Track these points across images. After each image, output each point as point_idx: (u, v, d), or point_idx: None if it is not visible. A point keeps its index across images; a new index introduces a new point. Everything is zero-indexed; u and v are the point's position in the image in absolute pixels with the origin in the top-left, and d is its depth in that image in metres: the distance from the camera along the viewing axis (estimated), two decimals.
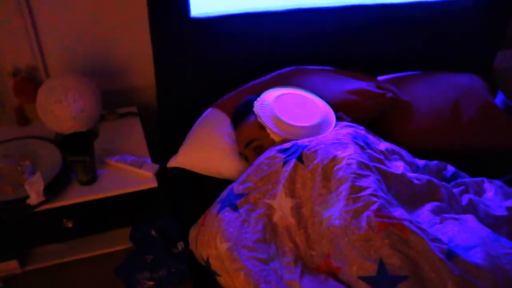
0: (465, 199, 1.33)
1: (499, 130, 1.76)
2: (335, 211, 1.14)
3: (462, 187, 1.41)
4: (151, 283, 1.51)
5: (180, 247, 1.56)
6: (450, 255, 1.03)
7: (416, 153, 1.52)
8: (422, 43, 2.05)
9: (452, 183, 1.44)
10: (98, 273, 1.62)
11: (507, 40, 2.34)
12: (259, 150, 1.42)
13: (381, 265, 1.01)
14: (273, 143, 1.41)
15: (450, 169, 1.51)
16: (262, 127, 1.43)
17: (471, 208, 1.30)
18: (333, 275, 1.10)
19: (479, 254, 1.05)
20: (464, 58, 2.17)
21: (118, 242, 1.65)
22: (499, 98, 2.11)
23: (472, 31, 2.11)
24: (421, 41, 2.04)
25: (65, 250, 1.62)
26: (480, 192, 1.42)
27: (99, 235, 1.64)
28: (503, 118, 1.79)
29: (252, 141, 1.45)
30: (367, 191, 1.14)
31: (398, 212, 1.11)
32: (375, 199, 1.12)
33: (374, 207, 1.10)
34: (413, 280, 0.99)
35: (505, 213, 1.29)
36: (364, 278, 1.02)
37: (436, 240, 1.07)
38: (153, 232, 1.57)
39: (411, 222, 1.08)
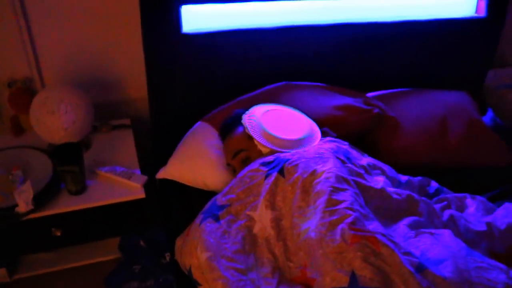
0: (446, 214, 1.35)
1: (485, 147, 1.77)
2: (312, 224, 1.16)
3: (444, 203, 1.43)
4: None
5: (167, 258, 1.58)
6: (420, 268, 1.05)
7: (402, 169, 1.54)
8: (414, 61, 2.08)
9: (435, 198, 1.46)
10: (87, 283, 1.63)
11: (497, 59, 2.37)
12: (247, 161, 1.45)
13: (353, 277, 1.03)
14: (260, 155, 1.44)
15: (434, 185, 1.53)
16: (250, 138, 1.46)
17: (452, 224, 1.32)
18: (309, 286, 1.12)
19: (448, 267, 1.07)
20: (455, 76, 2.20)
21: (107, 251, 1.67)
22: (489, 116, 2.13)
23: (464, 50, 2.14)
24: (412, 59, 2.07)
25: (54, 259, 1.64)
26: (462, 207, 1.44)
27: (88, 245, 1.66)
28: (489, 136, 1.81)
29: (240, 151, 1.48)
30: (343, 205, 1.16)
31: (373, 226, 1.13)
32: (350, 212, 1.14)
33: (349, 220, 1.12)
34: None
35: (484, 228, 1.31)
36: None
37: (408, 253, 1.09)
38: (141, 243, 1.58)
39: (384, 235, 1.10)
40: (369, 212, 1.20)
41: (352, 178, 1.28)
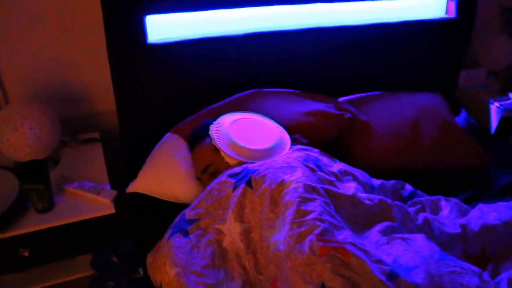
0: (420, 218, 1.35)
1: (458, 149, 1.77)
2: (281, 236, 1.15)
3: (419, 206, 1.43)
4: None
5: (141, 273, 1.55)
6: (392, 276, 1.04)
7: (376, 173, 1.54)
8: (386, 64, 2.09)
9: (409, 202, 1.46)
10: None
11: (470, 60, 2.40)
12: (215, 174, 1.44)
13: None
14: (228, 167, 1.42)
15: (408, 188, 1.53)
16: (217, 150, 1.45)
17: (426, 227, 1.32)
18: None
19: (420, 274, 1.07)
20: (429, 77, 2.21)
21: (79, 269, 1.63)
22: (462, 117, 2.15)
23: (436, 51, 2.16)
24: (385, 61, 2.08)
25: (25, 280, 1.59)
26: (436, 210, 1.44)
27: (60, 263, 1.62)
28: (462, 137, 1.81)
29: (208, 166, 1.47)
30: (312, 215, 1.14)
31: (342, 236, 1.12)
32: (319, 223, 1.12)
33: (317, 231, 1.11)
34: None
35: (458, 230, 1.32)
36: None
37: (379, 261, 1.08)
38: (114, 258, 1.57)
39: (353, 245, 1.09)
40: (340, 221, 1.19)
41: (322, 186, 1.27)
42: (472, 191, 1.63)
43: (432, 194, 1.52)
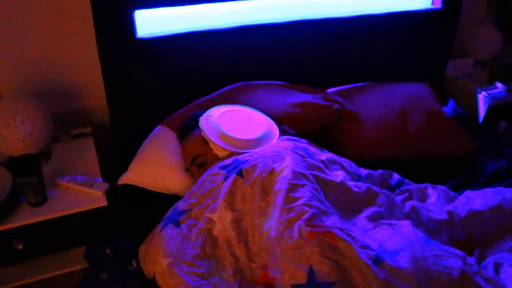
0: (407, 206, 1.38)
1: (446, 137, 1.80)
2: (272, 223, 1.17)
3: (406, 194, 1.46)
4: None
5: (135, 264, 1.57)
6: (377, 260, 1.07)
7: (365, 163, 1.56)
8: (374, 55, 2.11)
9: (396, 190, 1.49)
10: None
11: (457, 50, 2.42)
12: (203, 165, 1.45)
13: (311, 272, 1.04)
14: (217, 158, 1.44)
15: (395, 177, 1.56)
16: (206, 142, 1.46)
17: (414, 214, 1.34)
18: (270, 286, 1.13)
19: (405, 257, 1.09)
20: (416, 68, 2.24)
21: (73, 262, 1.65)
22: (450, 106, 2.18)
23: (423, 42, 2.18)
24: (373, 53, 2.10)
25: (18, 273, 1.60)
26: (423, 197, 1.47)
27: (53, 256, 1.64)
28: (450, 126, 1.83)
29: (197, 157, 1.48)
30: (300, 201, 1.17)
31: (330, 221, 1.15)
32: (307, 208, 1.15)
33: (306, 216, 1.13)
34: (340, 286, 1.03)
35: (445, 216, 1.34)
36: (295, 286, 1.05)
37: (365, 247, 1.11)
38: (107, 250, 1.56)
39: (341, 230, 1.12)
40: (328, 207, 1.21)
41: (311, 172, 1.29)
42: (460, 179, 1.65)
43: (421, 182, 1.54)
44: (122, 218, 1.66)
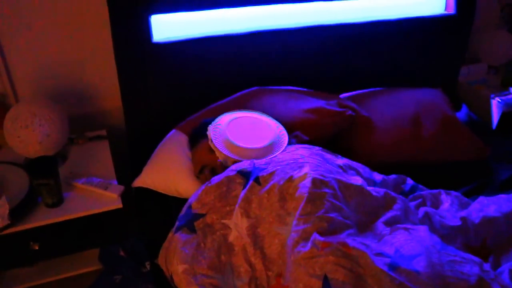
0: (421, 212, 1.37)
1: (459, 143, 1.79)
2: (290, 232, 1.17)
3: (419, 200, 1.45)
4: None
5: (148, 266, 1.57)
6: (393, 266, 1.07)
7: (377, 168, 1.55)
8: (387, 61, 2.10)
9: (410, 196, 1.48)
10: None
11: (470, 55, 2.41)
12: (213, 174, 1.45)
13: (326, 281, 1.04)
14: (223, 167, 1.45)
15: (409, 182, 1.55)
16: (213, 151, 1.48)
17: (427, 220, 1.34)
18: None
19: (422, 262, 1.09)
20: (429, 73, 2.22)
21: (87, 263, 1.66)
22: (463, 112, 2.16)
23: (436, 47, 2.17)
24: (386, 58, 2.09)
25: (34, 274, 1.62)
26: (436, 203, 1.46)
27: (68, 257, 1.65)
28: (463, 131, 1.82)
29: (204, 167, 1.50)
30: (318, 212, 1.17)
31: (345, 233, 1.15)
32: (324, 222, 1.15)
33: (322, 227, 1.14)
34: None
35: (459, 223, 1.33)
36: None
37: (379, 254, 1.11)
38: (121, 252, 1.58)
39: (354, 239, 1.12)
40: (347, 216, 1.21)
41: (332, 176, 1.29)
42: (473, 185, 1.64)
43: (434, 188, 1.53)
44: (136, 220, 1.67)
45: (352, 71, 2.06)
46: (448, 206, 1.44)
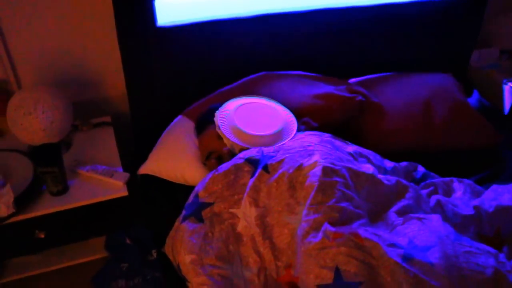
0: (433, 200, 1.34)
1: (471, 129, 1.76)
2: (300, 221, 1.15)
3: (431, 188, 1.42)
4: None
5: (154, 254, 1.56)
6: (406, 257, 1.05)
7: (388, 155, 1.53)
8: (396, 45, 2.05)
9: (421, 184, 1.45)
10: (75, 283, 1.63)
11: (482, 39, 2.35)
12: (220, 161, 1.44)
13: (337, 272, 1.02)
14: (230, 154, 1.42)
15: (420, 169, 1.52)
16: (220, 137, 1.45)
17: (439, 209, 1.31)
18: (295, 285, 1.11)
19: (436, 253, 1.06)
20: (440, 58, 2.17)
21: (94, 251, 1.66)
22: (474, 97, 2.12)
23: (447, 31, 2.12)
24: (395, 42, 2.04)
25: (40, 261, 1.62)
26: (449, 191, 1.43)
27: (74, 245, 1.65)
28: (475, 117, 1.79)
29: (211, 153, 1.47)
30: (329, 202, 1.15)
31: (357, 223, 1.13)
32: (335, 212, 1.13)
33: (333, 217, 1.11)
34: (367, 285, 1.01)
35: (472, 212, 1.30)
36: (321, 287, 1.03)
37: (392, 245, 1.08)
38: (127, 240, 1.56)
39: (366, 230, 1.10)
40: (358, 205, 1.18)
41: (343, 164, 1.26)
42: (485, 173, 1.62)
43: (444, 175, 1.50)
44: (142, 208, 1.66)
45: (362, 56, 2.02)
46: (461, 195, 1.41)
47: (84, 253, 1.65)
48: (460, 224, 1.28)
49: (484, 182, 1.55)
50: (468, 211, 1.31)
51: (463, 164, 1.66)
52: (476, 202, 1.35)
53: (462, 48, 2.22)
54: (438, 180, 1.47)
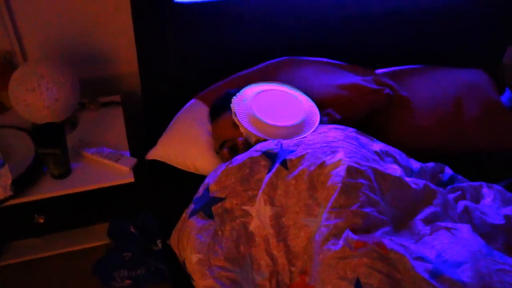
0: (460, 206, 1.25)
1: (503, 130, 1.67)
2: (319, 225, 1.07)
3: (459, 192, 1.34)
4: (129, 282, 1.47)
5: (159, 244, 1.51)
6: (435, 273, 0.96)
7: (413, 154, 1.45)
8: (425, 37, 1.95)
9: (449, 187, 1.37)
10: (76, 269, 1.58)
11: None
12: (234, 151, 1.35)
13: (358, 285, 0.94)
14: (246, 144, 1.34)
15: (448, 172, 1.44)
16: (236, 126, 1.36)
17: (466, 216, 1.23)
18: None
19: (468, 272, 0.98)
20: (471, 52, 2.07)
21: (97, 237, 1.61)
22: (506, 96, 2.02)
23: (480, 25, 2.00)
24: (424, 34, 1.94)
25: (41, 245, 1.57)
26: (477, 197, 1.35)
27: (77, 230, 1.59)
28: (507, 117, 1.70)
29: (225, 142, 1.39)
30: (352, 207, 1.06)
31: (381, 231, 1.05)
32: (359, 218, 1.04)
33: (355, 224, 1.03)
34: None
35: (502, 221, 1.22)
36: None
37: (420, 258, 0.99)
38: (132, 228, 1.53)
39: (391, 239, 1.01)
40: (383, 211, 1.10)
41: (369, 164, 1.17)
42: None
43: (472, 178, 1.42)
44: (149, 195, 1.60)
45: (386, 47, 1.91)
46: (490, 201, 1.32)
47: (88, 239, 1.61)
48: (488, 233, 1.19)
49: None
50: (498, 220, 1.22)
51: (491, 167, 1.59)
52: (506, 211, 1.26)
53: (496, 43, 2.11)
54: (466, 184, 1.38)
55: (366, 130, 1.46)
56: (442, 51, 2.01)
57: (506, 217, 1.22)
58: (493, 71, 2.09)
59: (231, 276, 1.07)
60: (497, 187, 1.37)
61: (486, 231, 1.19)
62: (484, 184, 1.38)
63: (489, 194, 1.34)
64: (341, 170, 1.12)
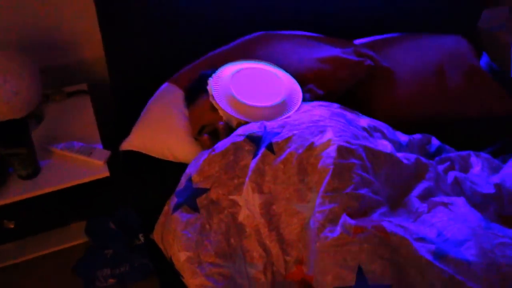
0: (450, 177, 1.24)
1: (485, 95, 1.68)
2: (312, 211, 1.03)
3: (447, 163, 1.33)
4: (113, 280, 1.42)
5: (142, 239, 1.47)
6: (439, 254, 0.94)
7: (398, 125, 1.43)
8: (401, 3, 1.90)
9: (437, 158, 1.36)
10: (55, 272, 1.51)
11: None
12: (215, 137, 1.29)
13: (360, 273, 0.91)
14: (227, 128, 1.28)
15: (435, 143, 1.43)
16: (214, 108, 1.30)
17: (457, 187, 1.22)
18: (308, 285, 1.00)
19: (472, 249, 0.96)
20: (446, 17, 2.04)
21: (75, 236, 1.54)
22: (484, 60, 2.01)
23: None
24: (400, 0, 1.89)
25: (15, 250, 1.48)
26: (466, 167, 1.34)
27: (54, 230, 1.51)
28: (488, 83, 1.71)
29: (204, 127, 1.33)
30: (347, 189, 1.02)
31: (377, 212, 1.01)
32: (354, 200, 1.01)
33: (352, 207, 0.99)
34: None
35: (492, 190, 1.22)
36: None
37: (422, 239, 0.97)
38: (111, 225, 1.47)
39: (390, 221, 0.98)
40: (378, 191, 1.07)
41: (359, 142, 1.13)
42: (500, 144, 1.52)
43: (457, 147, 1.42)
44: (126, 189, 1.52)
45: (363, 14, 1.86)
46: (479, 170, 1.32)
47: (64, 239, 1.53)
48: (479, 203, 1.18)
49: (499, 154, 1.46)
50: (489, 189, 1.22)
51: (475, 133, 1.59)
52: (496, 179, 1.26)
53: (471, 6, 2.08)
54: (454, 154, 1.37)
55: (348, 105, 1.42)
56: (417, 17, 1.97)
57: (496, 185, 1.22)
58: (470, 36, 2.08)
59: (224, 272, 1.03)
60: (484, 155, 1.37)
61: (477, 201, 1.18)
62: (472, 153, 1.37)
63: (477, 163, 1.34)
64: (331, 150, 1.08)
